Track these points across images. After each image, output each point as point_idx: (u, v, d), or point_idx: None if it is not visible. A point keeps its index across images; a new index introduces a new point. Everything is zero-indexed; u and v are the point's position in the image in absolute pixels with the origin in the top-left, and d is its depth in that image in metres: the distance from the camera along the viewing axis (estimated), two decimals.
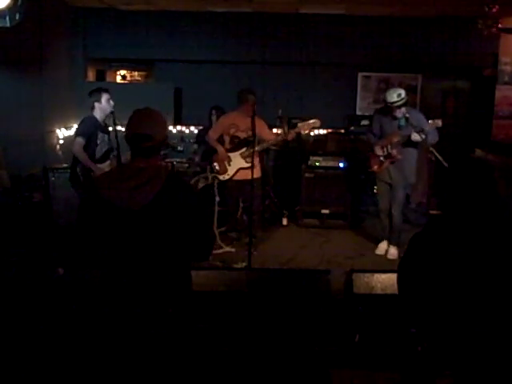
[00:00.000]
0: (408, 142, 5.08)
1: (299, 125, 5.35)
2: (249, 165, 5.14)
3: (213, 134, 5.55)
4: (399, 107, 4.97)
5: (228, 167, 5.48)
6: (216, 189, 5.68)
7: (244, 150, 5.38)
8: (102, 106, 4.92)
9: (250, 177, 4.93)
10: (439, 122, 4.91)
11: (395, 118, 5.06)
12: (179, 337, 2.28)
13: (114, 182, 2.18)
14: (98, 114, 4.95)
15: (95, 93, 4.96)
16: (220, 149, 5.47)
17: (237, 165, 5.45)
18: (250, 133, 5.13)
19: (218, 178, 5.58)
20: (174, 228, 2.16)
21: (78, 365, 3.27)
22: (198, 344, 2.52)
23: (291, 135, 5.29)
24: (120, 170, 2.27)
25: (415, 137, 4.89)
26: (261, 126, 5.32)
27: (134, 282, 2.19)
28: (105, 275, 2.27)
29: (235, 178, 5.48)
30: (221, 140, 5.55)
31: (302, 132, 5.43)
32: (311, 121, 5.29)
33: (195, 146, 6.69)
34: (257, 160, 5.28)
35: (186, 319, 2.30)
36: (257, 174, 5.23)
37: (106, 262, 2.26)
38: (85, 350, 3.31)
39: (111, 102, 4.93)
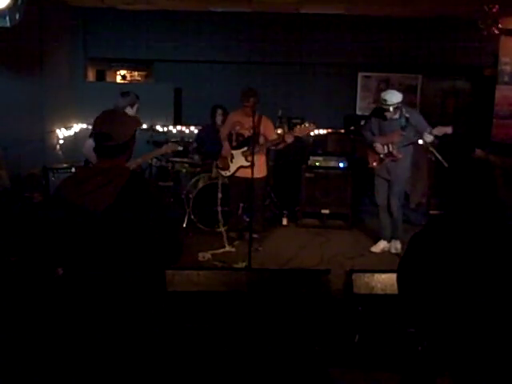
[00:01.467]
0: (410, 142, 5.14)
1: (295, 129, 5.39)
2: (249, 163, 5.20)
3: (224, 131, 5.66)
4: (389, 110, 5.06)
5: (230, 164, 5.55)
6: (220, 186, 5.72)
7: (245, 148, 5.41)
8: (133, 113, 4.82)
9: (254, 175, 4.96)
10: (449, 130, 4.95)
11: (385, 119, 5.16)
12: (149, 336, 2.25)
13: (77, 184, 2.17)
14: None
15: (130, 97, 4.85)
16: (225, 145, 5.56)
17: (238, 162, 5.51)
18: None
19: (221, 174, 5.68)
20: (136, 230, 2.14)
21: (76, 365, 3.27)
22: (198, 344, 2.51)
23: (290, 138, 5.31)
24: (84, 171, 2.29)
25: (427, 138, 4.94)
26: (266, 127, 5.36)
27: (96, 283, 2.17)
28: (68, 275, 2.25)
29: (239, 175, 5.51)
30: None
31: (299, 135, 5.43)
32: (307, 124, 5.34)
33: (194, 144, 6.70)
34: (262, 159, 5.33)
35: (156, 320, 2.27)
36: (260, 173, 5.30)
37: (69, 262, 2.24)
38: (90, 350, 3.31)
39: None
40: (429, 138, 4.96)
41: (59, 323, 2.29)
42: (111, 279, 2.17)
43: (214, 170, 5.91)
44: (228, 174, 5.59)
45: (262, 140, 5.38)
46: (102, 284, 2.17)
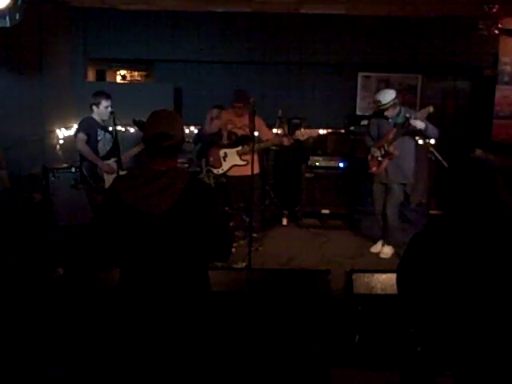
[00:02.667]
0: (407, 141, 5.10)
1: (297, 132, 5.39)
2: (244, 163, 5.34)
3: (214, 126, 5.65)
4: (387, 109, 5.05)
5: (223, 162, 5.54)
6: (213, 184, 5.72)
7: (240, 148, 5.43)
8: (100, 111, 4.97)
9: (246, 173, 4.98)
10: (430, 108, 4.93)
11: (386, 118, 5.14)
12: (201, 338, 2.30)
13: (135, 186, 2.16)
14: (96, 116, 5.01)
15: (96, 96, 4.99)
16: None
17: (232, 161, 5.51)
18: (247, 130, 5.26)
19: (212, 172, 5.65)
20: (194, 231, 2.16)
21: (81, 364, 3.28)
22: (216, 345, 2.52)
23: (288, 141, 5.33)
24: (140, 172, 2.22)
25: (415, 123, 4.88)
26: (259, 126, 5.36)
27: (154, 285, 2.19)
28: (126, 277, 2.26)
29: (233, 173, 5.51)
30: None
31: (300, 139, 5.43)
32: (309, 131, 5.38)
33: (192, 145, 6.70)
34: (255, 157, 5.31)
35: (206, 320, 2.32)
36: (255, 170, 5.26)
37: (127, 265, 2.25)
38: (91, 350, 3.31)
39: (109, 109, 4.94)
40: (416, 123, 4.90)
41: (115, 320, 2.30)
42: (167, 281, 2.19)
43: (205, 168, 5.84)
44: (221, 172, 5.58)
45: (263, 139, 5.41)
46: (158, 285, 2.18)
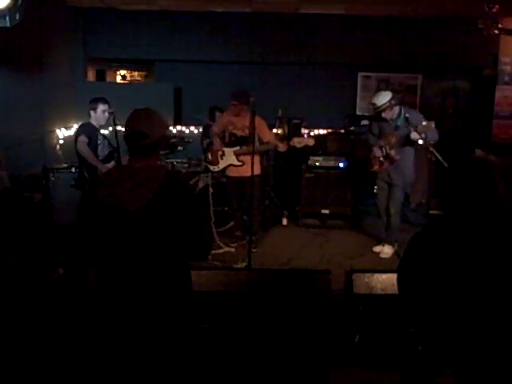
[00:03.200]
0: (406, 142, 5.09)
1: (294, 139, 5.41)
2: (239, 163, 5.37)
3: (215, 129, 5.69)
4: (384, 111, 5.04)
5: (220, 160, 5.56)
6: (210, 182, 5.73)
7: (238, 148, 5.44)
8: (97, 116, 5.01)
9: (246, 174, 4.99)
10: (432, 124, 4.91)
11: (384, 120, 5.14)
12: (181, 337, 2.28)
13: (111, 183, 2.18)
14: (94, 121, 5.06)
15: (93, 102, 5.04)
16: (216, 140, 5.58)
17: (228, 160, 5.52)
18: (246, 131, 5.27)
19: (209, 169, 5.68)
20: (171, 228, 2.16)
21: (78, 365, 3.28)
22: (197, 344, 2.51)
23: (283, 147, 5.34)
24: (118, 170, 2.27)
25: (414, 136, 4.89)
26: (259, 127, 5.35)
27: (132, 283, 2.19)
28: (103, 276, 2.26)
29: (233, 174, 5.52)
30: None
31: (297, 146, 5.43)
32: (306, 139, 5.42)
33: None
34: (256, 158, 5.31)
35: (187, 319, 2.30)
36: (255, 171, 5.25)
37: (103, 263, 2.25)
38: (84, 350, 3.31)
39: (106, 114, 4.98)
40: (415, 136, 4.90)
41: (93, 319, 2.30)
42: (145, 278, 2.18)
43: (203, 164, 5.88)
44: (216, 169, 5.59)
45: (262, 141, 5.41)
46: (136, 282, 2.19)
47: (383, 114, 5.11)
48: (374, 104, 5.13)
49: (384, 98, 5.06)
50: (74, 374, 3.19)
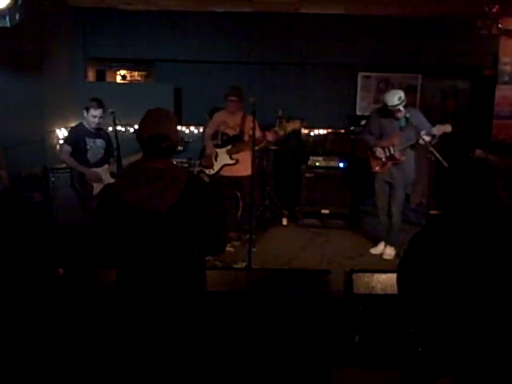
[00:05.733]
0: (412, 144, 5.09)
1: (276, 128, 5.38)
2: (233, 162, 5.41)
3: (208, 131, 5.71)
4: (400, 110, 4.97)
5: (214, 162, 5.58)
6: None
7: (230, 147, 5.45)
8: (88, 118, 4.96)
9: (239, 174, 5.00)
10: (449, 127, 4.87)
11: (397, 119, 5.05)
12: (201, 337, 2.32)
13: (136, 185, 2.16)
14: (85, 122, 5.02)
15: (91, 101, 4.97)
16: (209, 144, 5.60)
17: (222, 161, 5.53)
18: (238, 130, 5.29)
19: (204, 173, 5.67)
20: (195, 227, 2.21)
21: (80, 366, 3.28)
22: (198, 344, 2.52)
23: (271, 135, 5.35)
24: (137, 171, 2.21)
25: (426, 139, 4.87)
26: (250, 125, 5.33)
27: (157, 284, 2.20)
28: (124, 278, 2.27)
29: (225, 174, 5.53)
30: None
31: (281, 133, 5.40)
32: (292, 122, 5.36)
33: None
34: (246, 157, 5.30)
35: (206, 319, 2.35)
36: (246, 171, 5.22)
37: (128, 265, 2.26)
38: (91, 350, 3.31)
39: (96, 120, 4.91)
40: (426, 138, 4.90)
41: (120, 321, 2.30)
42: (173, 278, 2.21)
43: (197, 169, 5.88)
44: (212, 172, 5.59)
45: (246, 138, 5.39)
46: (164, 283, 2.21)
47: (398, 114, 4.98)
48: (391, 102, 4.96)
49: (399, 96, 4.95)
50: (80, 374, 3.19)
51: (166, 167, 2.20)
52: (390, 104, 4.98)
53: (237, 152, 5.38)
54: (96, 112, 4.89)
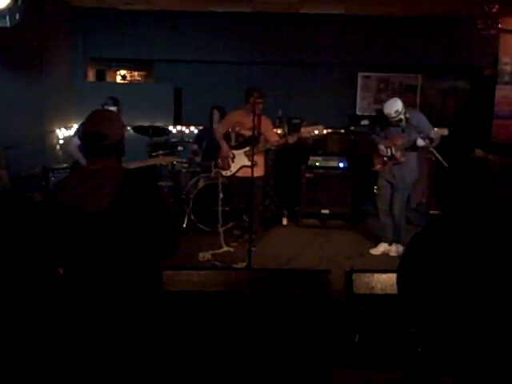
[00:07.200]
0: (412, 147, 5.11)
1: (302, 129, 5.40)
2: (251, 163, 5.25)
3: (221, 129, 5.65)
4: (396, 121, 4.99)
5: (231, 164, 5.56)
6: (220, 186, 5.71)
7: (248, 148, 5.42)
8: None
9: (254, 174, 4.97)
10: (445, 131, 4.90)
11: (399, 126, 5.09)
12: (150, 337, 2.25)
13: (71, 186, 2.14)
14: None
15: (108, 99, 5.07)
16: (224, 145, 5.56)
17: (240, 162, 5.52)
18: (256, 132, 5.23)
19: (221, 174, 5.67)
20: (134, 228, 2.13)
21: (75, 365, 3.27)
22: (198, 344, 2.51)
23: (292, 139, 5.33)
24: (77, 173, 2.22)
25: (420, 142, 4.92)
26: (266, 126, 5.39)
27: (96, 285, 2.16)
28: (66, 279, 2.24)
29: (238, 174, 5.53)
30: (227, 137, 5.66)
31: (306, 136, 5.43)
32: (315, 126, 5.38)
33: (195, 146, 6.69)
34: (261, 159, 5.36)
35: (157, 319, 2.27)
36: (260, 172, 5.34)
37: (66, 266, 2.24)
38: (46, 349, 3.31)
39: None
40: (421, 143, 4.93)
41: (59, 324, 2.28)
42: (110, 280, 2.16)
43: (214, 170, 5.89)
44: (229, 173, 5.59)
45: (262, 140, 5.39)
46: (104, 283, 2.16)
47: (400, 123, 4.97)
48: (388, 114, 4.97)
49: (396, 109, 4.94)
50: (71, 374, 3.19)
51: (100, 168, 2.14)
52: (385, 112, 5.02)
53: (255, 154, 5.30)
54: (111, 109, 4.94)
